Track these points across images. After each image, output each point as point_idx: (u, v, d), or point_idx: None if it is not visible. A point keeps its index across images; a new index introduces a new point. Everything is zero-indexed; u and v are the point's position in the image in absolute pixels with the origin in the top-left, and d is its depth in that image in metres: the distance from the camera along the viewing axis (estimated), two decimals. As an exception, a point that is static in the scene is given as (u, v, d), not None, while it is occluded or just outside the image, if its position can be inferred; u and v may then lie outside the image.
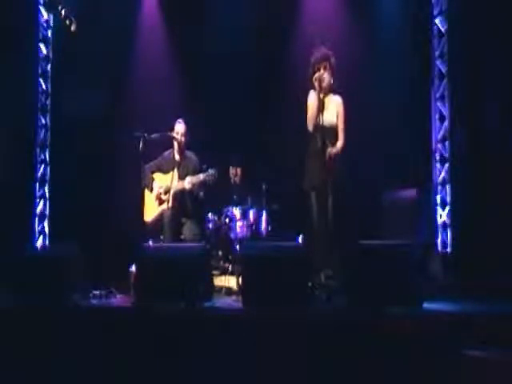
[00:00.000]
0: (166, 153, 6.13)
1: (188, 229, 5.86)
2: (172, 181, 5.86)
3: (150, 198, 5.99)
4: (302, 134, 5.35)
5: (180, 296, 4.40)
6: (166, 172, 6.01)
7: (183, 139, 5.99)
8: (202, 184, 5.78)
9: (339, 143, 5.30)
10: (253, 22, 6.92)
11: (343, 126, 5.35)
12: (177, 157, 6.04)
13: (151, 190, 5.99)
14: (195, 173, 5.82)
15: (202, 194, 5.92)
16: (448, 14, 6.43)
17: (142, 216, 5.95)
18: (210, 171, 5.70)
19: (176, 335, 4.11)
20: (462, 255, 5.91)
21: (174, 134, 5.97)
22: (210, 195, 6.00)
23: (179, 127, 6.00)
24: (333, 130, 5.31)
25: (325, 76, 5.19)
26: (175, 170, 5.91)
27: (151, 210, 5.96)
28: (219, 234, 5.94)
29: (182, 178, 5.88)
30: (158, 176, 6.05)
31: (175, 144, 6.02)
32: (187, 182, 5.76)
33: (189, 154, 6.07)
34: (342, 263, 4.81)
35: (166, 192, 5.87)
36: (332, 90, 5.34)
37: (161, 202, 5.94)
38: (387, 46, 6.56)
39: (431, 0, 6.55)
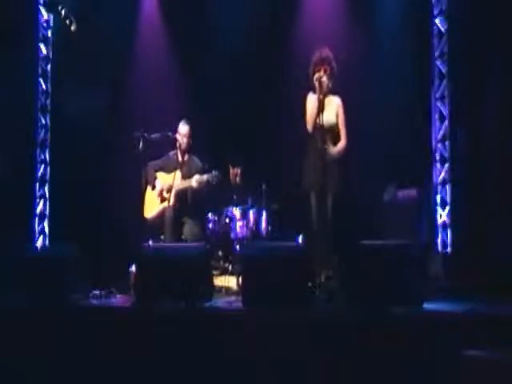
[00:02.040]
0: (171, 153, 6.16)
1: (188, 229, 5.88)
2: (175, 179, 5.88)
3: (151, 195, 6.00)
4: (302, 134, 5.36)
5: (180, 296, 4.41)
6: (168, 172, 6.03)
7: (185, 141, 6.00)
8: (206, 184, 5.80)
9: (341, 144, 5.33)
10: (253, 22, 6.91)
11: (344, 126, 5.37)
12: (180, 158, 6.06)
13: (153, 188, 6.01)
14: (199, 174, 5.85)
15: (205, 193, 5.94)
16: (448, 14, 6.42)
17: (142, 214, 5.95)
18: (214, 173, 5.72)
19: (176, 335, 4.11)
20: (462, 255, 5.90)
21: (177, 136, 5.99)
22: (210, 195, 6.01)
23: (183, 129, 6.02)
24: (332, 131, 5.33)
25: (324, 77, 5.20)
26: (178, 171, 5.94)
27: (152, 207, 5.97)
28: (219, 234, 5.94)
29: (185, 178, 5.89)
30: (160, 175, 6.07)
31: (178, 145, 6.03)
32: (195, 181, 5.78)
33: (192, 156, 6.09)
34: (342, 263, 4.82)
35: (169, 190, 5.90)
36: (331, 91, 5.35)
37: (163, 199, 5.96)
38: (387, 45, 6.55)
39: (431, 0, 6.55)
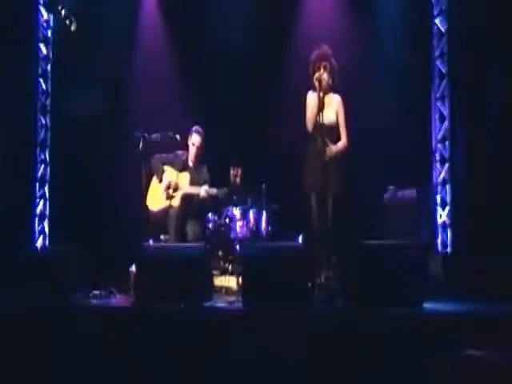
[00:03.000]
0: (180, 152, 6.16)
1: (191, 229, 5.88)
2: (183, 180, 5.91)
3: (157, 187, 6.00)
4: (302, 133, 5.36)
5: (180, 296, 4.41)
6: (176, 169, 6.05)
7: (198, 151, 6.04)
8: (214, 198, 5.83)
9: (341, 142, 5.32)
10: (253, 22, 6.92)
11: (344, 124, 5.36)
12: (190, 163, 6.08)
13: (160, 181, 6.02)
14: (208, 185, 5.87)
15: (210, 202, 5.97)
16: (448, 14, 6.43)
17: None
18: (223, 190, 5.75)
19: (176, 335, 4.11)
20: (461, 255, 5.90)
21: (189, 145, 6.02)
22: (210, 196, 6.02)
23: (196, 140, 6.04)
24: (332, 129, 5.31)
25: (324, 76, 5.19)
26: (187, 173, 5.96)
27: (157, 201, 5.97)
28: (219, 234, 5.94)
29: (193, 183, 5.92)
30: (168, 170, 6.07)
31: (191, 151, 6.05)
32: (204, 190, 5.82)
33: (201, 165, 6.13)
34: (342, 263, 4.81)
35: (175, 189, 5.91)
36: (331, 89, 5.34)
37: (168, 196, 5.96)
38: (387, 45, 6.55)
39: (431, 0, 6.55)
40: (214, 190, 5.80)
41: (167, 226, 5.83)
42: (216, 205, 5.97)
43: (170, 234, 5.80)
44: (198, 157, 6.10)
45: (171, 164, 6.09)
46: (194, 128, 6.09)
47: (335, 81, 5.33)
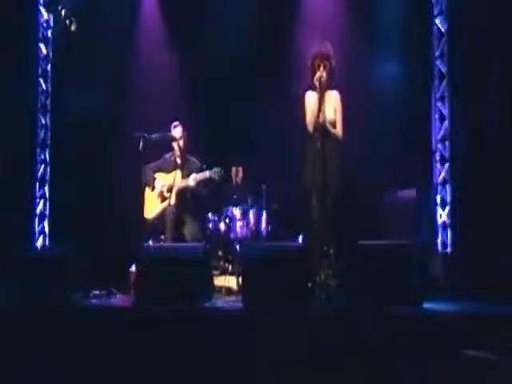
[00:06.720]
0: (167, 155, 6.15)
1: (189, 228, 5.88)
2: (175, 179, 5.89)
3: (151, 196, 6.00)
4: (302, 133, 5.35)
5: (180, 296, 4.41)
6: (168, 172, 6.03)
7: (181, 142, 6.02)
8: (207, 182, 5.80)
9: (337, 130, 5.25)
10: (253, 22, 6.92)
11: (341, 120, 5.26)
12: (178, 160, 6.06)
13: (153, 189, 6.01)
14: (195, 173, 5.84)
15: (205, 191, 5.95)
16: (448, 14, 6.43)
17: (143, 215, 5.96)
18: (215, 169, 5.72)
19: (176, 335, 4.11)
20: (462, 255, 5.90)
21: (173, 140, 5.99)
22: (210, 195, 6.01)
23: (176, 132, 6.02)
24: (332, 127, 5.29)
25: (324, 75, 5.18)
26: (178, 170, 5.94)
27: (153, 208, 5.97)
28: (219, 234, 5.94)
29: (184, 177, 5.90)
30: (159, 175, 6.07)
31: (175, 147, 6.03)
32: (192, 179, 5.80)
33: (190, 157, 6.10)
34: (342, 263, 4.82)
35: (169, 190, 5.89)
36: (329, 86, 5.32)
37: (163, 199, 5.95)
38: (387, 45, 6.56)
39: (431, 0, 6.55)
40: (205, 174, 5.76)
41: (164, 226, 5.82)
42: (212, 193, 5.95)
43: (166, 233, 5.79)
44: (183, 150, 6.04)
45: (161, 169, 6.08)
46: (172, 125, 6.07)
47: (334, 79, 5.31)
